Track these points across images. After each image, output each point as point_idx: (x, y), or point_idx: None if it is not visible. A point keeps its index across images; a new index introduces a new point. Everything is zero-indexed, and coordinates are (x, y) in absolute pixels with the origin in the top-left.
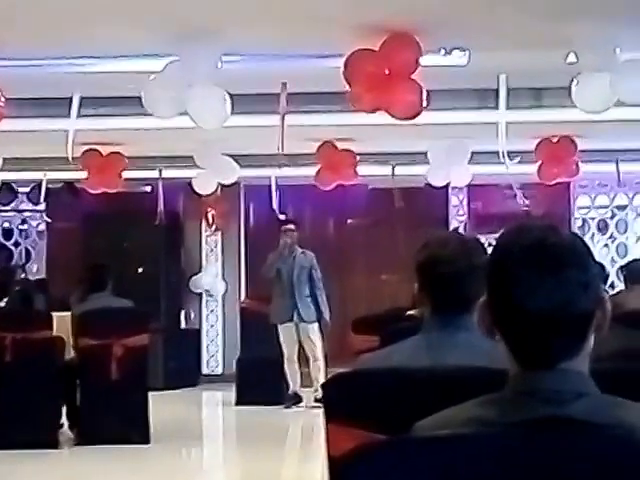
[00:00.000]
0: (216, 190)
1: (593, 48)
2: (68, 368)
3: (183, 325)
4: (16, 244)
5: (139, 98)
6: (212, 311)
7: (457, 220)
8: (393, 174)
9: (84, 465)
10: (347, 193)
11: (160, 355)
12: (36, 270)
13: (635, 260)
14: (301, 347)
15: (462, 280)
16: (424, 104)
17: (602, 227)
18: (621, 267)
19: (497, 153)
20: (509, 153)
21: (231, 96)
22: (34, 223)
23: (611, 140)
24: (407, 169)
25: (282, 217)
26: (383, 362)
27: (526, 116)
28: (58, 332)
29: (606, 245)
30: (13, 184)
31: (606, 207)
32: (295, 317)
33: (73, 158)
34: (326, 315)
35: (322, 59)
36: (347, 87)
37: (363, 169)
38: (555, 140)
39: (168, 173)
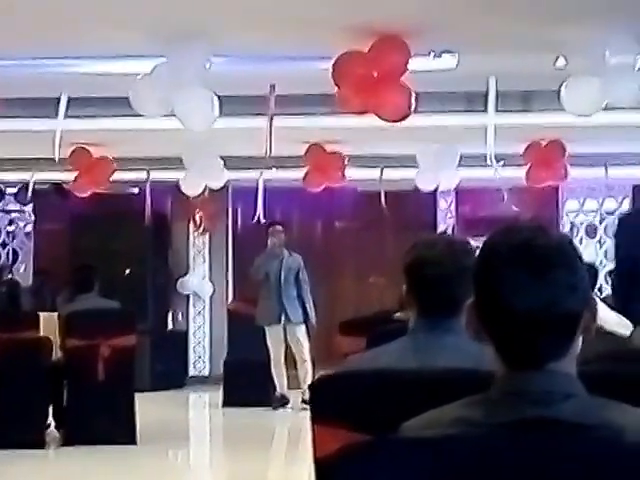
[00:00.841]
0: (204, 192)
1: (582, 52)
2: (55, 368)
3: (170, 326)
4: (3, 245)
5: (127, 99)
6: (199, 313)
7: (445, 223)
8: (381, 177)
9: (71, 465)
10: (335, 196)
11: (147, 356)
12: (23, 271)
13: None
14: (288, 349)
15: (449, 282)
16: (413, 107)
17: (590, 231)
18: (609, 271)
19: (485, 157)
20: (497, 156)
21: (219, 98)
22: (21, 224)
23: (600, 144)
24: (396, 172)
25: (263, 221)
26: (370, 364)
27: (515, 119)
28: (45, 332)
29: (594, 249)
30: (0, 184)
31: (595, 211)
32: (283, 319)
33: (60, 159)
34: (312, 317)
35: (311, 61)
36: (336, 89)
37: (351, 172)
38: (544, 144)
39: (156, 175)
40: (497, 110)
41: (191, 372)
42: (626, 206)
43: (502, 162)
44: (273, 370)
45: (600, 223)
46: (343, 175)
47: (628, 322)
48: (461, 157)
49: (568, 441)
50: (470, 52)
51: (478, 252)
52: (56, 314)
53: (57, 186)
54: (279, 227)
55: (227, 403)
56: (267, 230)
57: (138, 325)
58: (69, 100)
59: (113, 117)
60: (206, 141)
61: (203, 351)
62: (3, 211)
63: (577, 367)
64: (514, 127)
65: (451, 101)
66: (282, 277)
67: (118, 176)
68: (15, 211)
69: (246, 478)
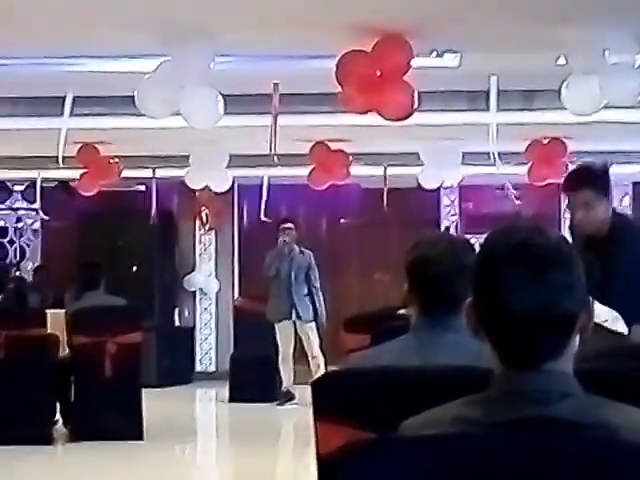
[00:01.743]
0: (210, 190)
1: (583, 51)
2: (62, 365)
3: (177, 323)
4: (11, 242)
5: (132, 98)
6: (205, 309)
7: (449, 220)
8: (385, 175)
9: (78, 461)
10: (340, 193)
11: (154, 352)
12: (30, 268)
13: None
14: (296, 345)
15: (450, 280)
16: (415, 105)
17: None
18: None
19: (488, 154)
20: (499, 154)
21: (224, 96)
22: (29, 221)
23: (601, 142)
24: (399, 169)
25: (268, 219)
26: (372, 361)
27: (517, 118)
28: (52, 329)
29: None
30: (8, 182)
31: None
32: (293, 316)
33: (66, 157)
34: (322, 314)
35: (314, 60)
36: (339, 88)
37: (356, 169)
38: (545, 142)
39: (162, 172)
40: (499, 108)
41: (197, 368)
42: (627, 203)
43: (501, 162)
44: (281, 365)
45: None
46: (347, 172)
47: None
48: (464, 155)
49: (565, 440)
50: (472, 51)
51: (477, 252)
52: (63, 311)
53: (64, 184)
54: (290, 224)
55: (233, 399)
56: (278, 227)
57: (145, 322)
58: (74, 99)
59: (118, 115)
60: (214, 141)
61: (209, 347)
62: (11, 209)
63: (575, 365)
64: (516, 125)
65: (454, 99)
66: (292, 274)
67: (124, 174)
68: (22, 209)
69: (252, 473)
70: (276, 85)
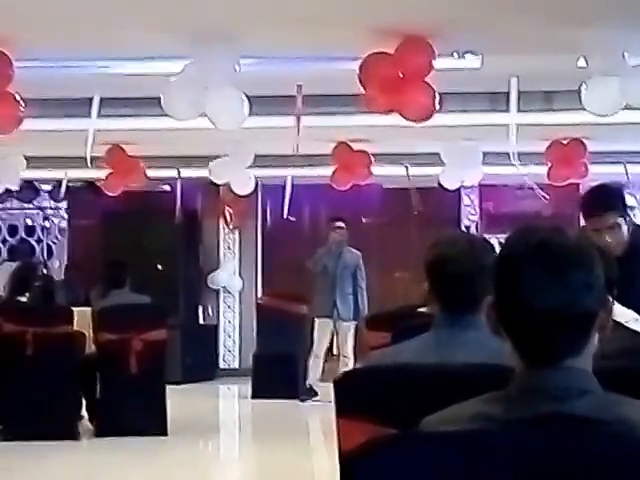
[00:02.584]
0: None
1: (602, 53)
2: (88, 362)
3: (201, 321)
4: (38, 240)
5: (158, 99)
6: (229, 307)
7: (469, 219)
8: (408, 174)
9: (103, 456)
10: (362, 193)
11: (178, 349)
12: (57, 266)
13: None
14: (330, 343)
15: (470, 279)
16: (437, 106)
17: None
18: None
19: (508, 154)
20: (519, 154)
21: (248, 98)
22: (56, 220)
23: (620, 142)
24: (420, 169)
25: (292, 219)
26: (392, 359)
27: (537, 119)
28: (78, 327)
29: None
30: (35, 182)
31: None
32: (335, 314)
33: (93, 158)
34: (362, 316)
35: (337, 62)
36: (362, 89)
37: (377, 169)
38: (565, 142)
39: (187, 172)
40: (519, 109)
41: (221, 365)
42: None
43: (518, 162)
44: (311, 361)
45: None
46: (369, 172)
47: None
48: (484, 155)
49: (583, 437)
50: (493, 53)
51: (497, 252)
52: (89, 309)
53: (90, 184)
54: (341, 224)
55: (256, 395)
56: (328, 225)
57: (170, 319)
58: (102, 100)
59: (144, 117)
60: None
61: (233, 344)
62: (38, 208)
63: (595, 363)
64: (536, 126)
65: (474, 100)
66: (339, 273)
67: (150, 174)
68: (50, 208)
69: (275, 469)
70: (299, 86)
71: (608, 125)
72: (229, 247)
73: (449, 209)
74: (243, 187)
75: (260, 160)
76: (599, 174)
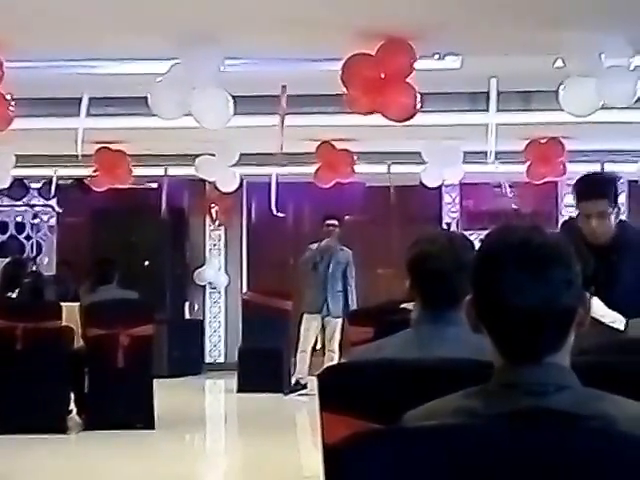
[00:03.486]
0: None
1: (580, 54)
2: (77, 356)
3: (187, 316)
4: (28, 237)
5: (145, 99)
6: (215, 303)
7: (450, 217)
8: (389, 172)
9: (91, 449)
10: (345, 191)
11: (165, 344)
12: (46, 263)
13: None
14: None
15: (450, 276)
16: (418, 106)
17: None
18: None
19: (488, 153)
20: (499, 153)
21: (234, 98)
22: (45, 217)
23: (597, 141)
24: (402, 168)
25: (281, 215)
26: (375, 355)
27: (516, 118)
28: (67, 322)
29: None
30: (25, 180)
31: None
32: (324, 310)
33: (82, 155)
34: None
35: (321, 63)
36: (344, 90)
37: (360, 168)
38: (543, 141)
39: (173, 170)
40: (498, 109)
41: (207, 359)
42: (622, 200)
43: (497, 161)
44: (298, 356)
45: None
46: (352, 171)
47: (618, 315)
48: (465, 154)
49: (562, 431)
50: (473, 54)
51: (476, 251)
52: (78, 304)
53: (79, 181)
54: (333, 222)
55: (242, 389)
56: (322, 223)
57: (156, 314)
58: (90, 100)
59: (132, 116)
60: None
61: (218, 339)
62: (28, 205)
63: (573, 357)
64: (514, 125)
65: (455, 101)
66: (330, 270)
67: (137, 172)
68: (39, 205)
69: (261, 461)
70: (284, 87)
71: (585, 124)
72: (215, 244)
73: (430, 207)
74: (228, 185)
75: (245, 158)
76: (577, 172)
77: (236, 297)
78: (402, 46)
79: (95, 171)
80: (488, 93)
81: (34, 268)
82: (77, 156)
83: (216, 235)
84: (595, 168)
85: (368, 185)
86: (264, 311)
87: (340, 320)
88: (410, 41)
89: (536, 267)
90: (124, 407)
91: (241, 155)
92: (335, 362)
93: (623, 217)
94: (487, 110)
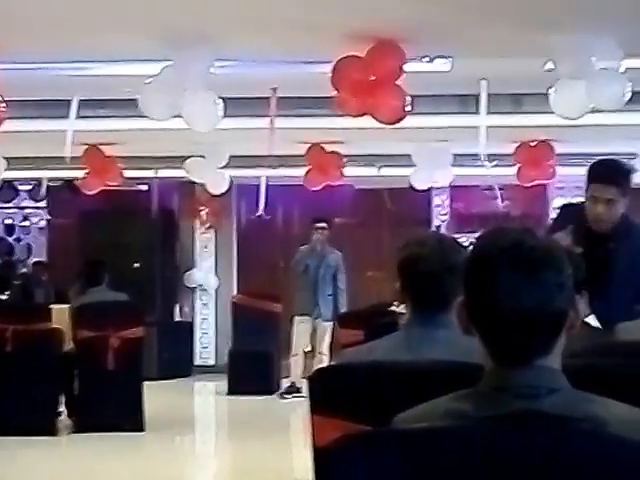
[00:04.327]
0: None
1: (570, 57)
2: (66, 358)
3: (177, 318)
4: (18, 239)
5: (135, 101)
6: (205, 305)
7: (439, 219)
8: (379, 175)
9: (81, 451)
10: (334, 193)
11: (155, 346)
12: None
13: None
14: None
15: (440, 278)
16: (408, 109)
17: None
18: None
19: (477, 156)
20: (489, 156)
21: (223, 100)
22: (35, 219)
23: (587, 144)
24: (392, 170)
25: (267, 217)
26: (365, 357)
27: (506, 120)
28: (57, 324)
29: None
30: (15, 182)
31: None
32: (314, 313)
33: (72, 158)
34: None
35: (311, 65)
36: (334, 92)
37: (350, 170)
38: (533, 144)
39: (163, 172)
40: (488, 112)
41: (197, 362)
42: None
43: (494, 162)
44: (291, 359)
45: None
46: (342, 173)
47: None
48: (454, 156)
49: (553, 434)
50: (463, 56)
51: (468, 254)
52: (67, 306)
53: (69, 183)
54: (323, 224)
55: (231, 391)
56: (311, 226)
57: (146, 316)
58: (80, 102)
59: (122, 118)
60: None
61: (208, 342)
62: (18, 207)
63: (564, 360)
64: (505, 128)
65: (445, 103)
66: (320, 273)
67: (127, 174)
68: (29, 207)
69: (251, 463)
70: (274, 89)
71: (575, 127)
72: (205, 246)
73: (420, 209)
74: (218, 187)
75: (235, 160)
76: (566, 175)
77: (226, 299)
78: (392, 48)
79: (87, 174)
80: (478, 95)
81: (24, 270)
82: (64, 158)
83: (206, 237)
84: (585, 171)
85: (358, 188)
86: (254, 313)
87: (330, 323)
88: (400, 43)
89: (528, 270)
90: (114, 409)
91: (231, 157)
92: (325, 364)
93: None
94: (477, 112)
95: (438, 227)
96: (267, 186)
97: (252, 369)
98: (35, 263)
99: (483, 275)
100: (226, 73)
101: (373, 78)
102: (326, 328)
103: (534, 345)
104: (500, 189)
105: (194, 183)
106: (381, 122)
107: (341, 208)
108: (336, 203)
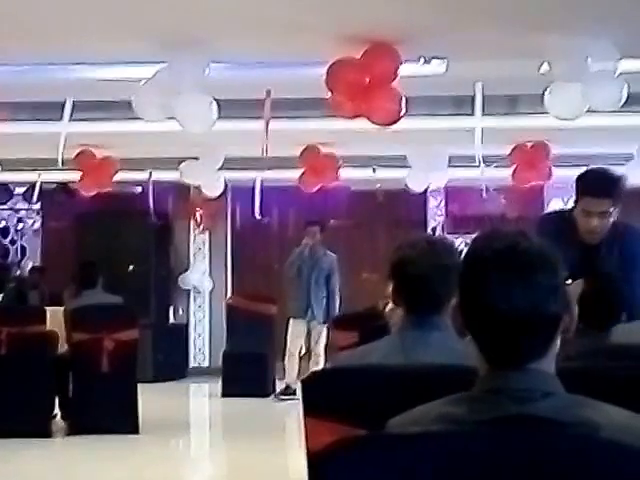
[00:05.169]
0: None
1: (565, 58)
2: (61, 361)
3: (172, 320)
4: (12, 242)
5: (129, 103)
6: (199, 307)
7: (435, 221)
8: (374, 177)
9: (76, 454)
10: (329, 195)
11: (149, 349)
12: (31, 267)
13: None
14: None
15: (431, 280)
16: (403, 111)
17: None
18: None
19: (473, 157)
20: (485, 158)
21: (218, 102)
22: (29, 222)
23: (582, 146)
24: (387, 172)
25: (264, 219)
26: (359, 360)
27: (501, 122)
28: (51, 326)
29: None
30: (9, 184)
31: None
32: (308, 315)
33: (66, 160)
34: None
35: (305, 67)
36: (329, 94)
37: (345, 172)
38: (529, 145)
39: (158, 175)
40: (484, 113)
41: (191, 364)
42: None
43: (493, 164)
44: (286, 361)
45: None
46: (337, 175)
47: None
48: (450, 158)
49: (547, 438)
50: (458, 58)
51: (463, 257)
52: (62, 309)
53: (63, 186)
54: (316, 226)
55: (226, 393)
56: (305, 228)
57: (141, 319)
58: (74, 104)
59: (116, 120)
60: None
61: (203, 344)
62: (12, 210)
63: (559, 364)
64: (500, 130)
65: (440, 105)
66: (314, 276)
67: (121, 176)
68: (23, 210)
69: (245, 465)
70: (268, 91)
71: (571, 129)
72: (199, 248)
73: (416, 211)
74: (213, 189)
75: (230, 162)
76: (562, 177)
77: (221, 301)
78: (387, 50)
79: (83, 176)
80: (473, 97)
81: (18, 273)
82: (58, 161)
83: (201, 239)
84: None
85: (353, 189)
86: (248, 315)
87: (325, 326)
88: (395, 45)
89: (522, 272)
90: (108, 411)
91: (226, 159)
92: (320, 366)
93: None
94: (472, 114)
95: (434, 229)
96: (262, 188)
97: (247, 371)
98: (31, 270)
99: (477, 278)
100: (220, 75)
101: (368, 80)
102: (321, 330)
103: (528, 348)
104: (496, 191)
105: (189, 185)
106: (376, 124)
107: (336, 210)
108: (331, 205)
